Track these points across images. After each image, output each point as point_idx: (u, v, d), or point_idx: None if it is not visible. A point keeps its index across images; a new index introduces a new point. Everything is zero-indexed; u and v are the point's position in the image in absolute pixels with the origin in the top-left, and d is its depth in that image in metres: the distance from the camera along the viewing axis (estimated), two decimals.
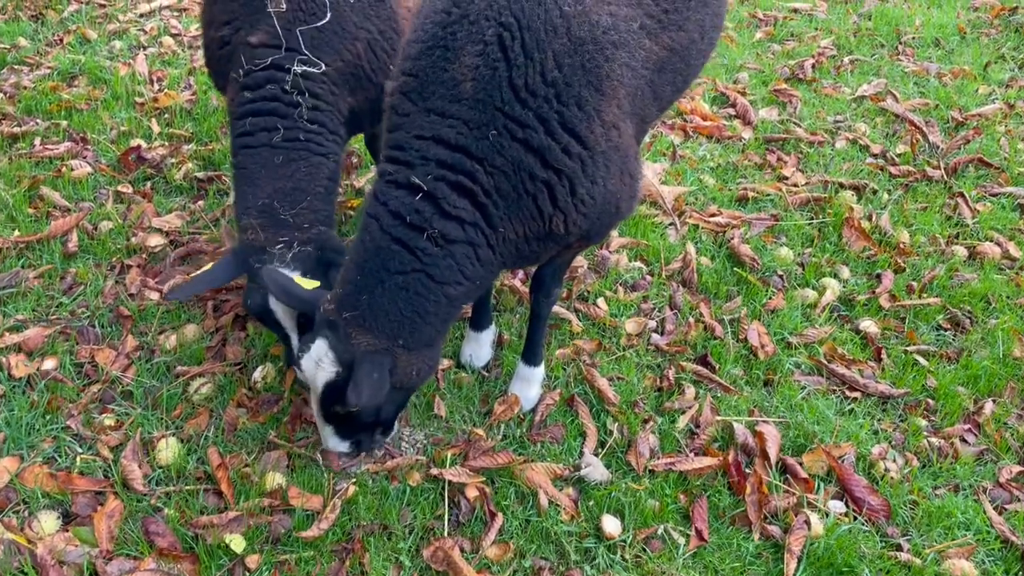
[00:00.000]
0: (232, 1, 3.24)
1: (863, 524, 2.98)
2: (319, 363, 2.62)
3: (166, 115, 5.26)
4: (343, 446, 2.89)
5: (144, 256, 4.07)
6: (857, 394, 3.50)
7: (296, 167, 3.09)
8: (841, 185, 4.76)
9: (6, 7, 6.45)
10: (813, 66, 6.14)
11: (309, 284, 2.87)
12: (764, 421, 3.31)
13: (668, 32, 2.77)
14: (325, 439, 2.88)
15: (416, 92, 2.54)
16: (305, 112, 3.12)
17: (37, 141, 4.91)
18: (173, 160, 4.78)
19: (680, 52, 2.86)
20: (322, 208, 3.14)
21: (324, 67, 3.16)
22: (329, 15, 3.16)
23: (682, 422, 3.33)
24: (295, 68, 3.10)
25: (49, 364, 3.45)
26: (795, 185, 4.81)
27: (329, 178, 3.18)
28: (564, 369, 3.56)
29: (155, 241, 4.14)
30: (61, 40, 6.13)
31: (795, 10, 7.05)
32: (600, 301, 3.93)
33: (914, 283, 4.09)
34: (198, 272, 3.09)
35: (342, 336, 2.60)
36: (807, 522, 2.92)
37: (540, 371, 3.40)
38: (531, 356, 3.37)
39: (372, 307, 2.59)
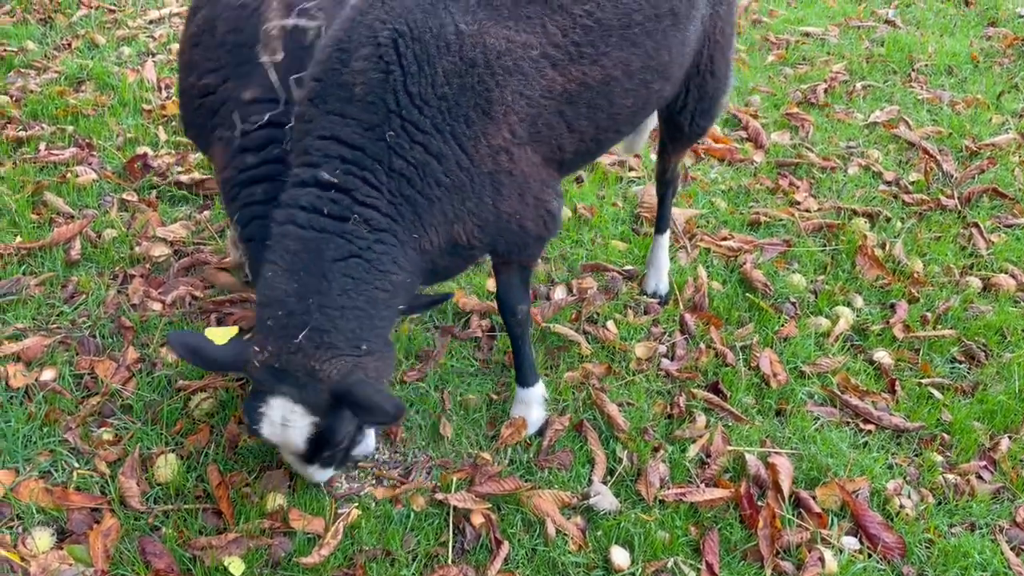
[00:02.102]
0: (218, 47, 2.96)
1: (877, 562, 2.91)
2: (287, 423, 2.49)
3: (173, 123, 5.21)
4: (329, 473, 2.83)
5: (147, 266, 4.01)
6: (871, 427, 3.44)
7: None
8: (854, 212, 4.70)
9: (14, 10, 6.40)
10: (826, 91, 6.10)
11: (222, 335, 2.59)
12: (777, 452, 3.24)
13: (578, 65, 2.68)
14: (311, 477, 2.82)
15: (320, 96, 2.52)
16: None
17: (42, 146, 4.85)
18: (180, 168, 4.72)
19: (596, 88, 2.75)
20: None
21: None
22: None
23: (692, 451, 3.26)
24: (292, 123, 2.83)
25: (48, 375, 3.38)
26: (807, 211, 4.75)
27: None
28: (572, 393, 3.49)
29: (159, 251, 4.07)
30: (69, 44, 6.08)
31: (807, 34, 7.02)
32: (610, 324, 3.87)
33: (928, 314, 4.03)
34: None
35: (302, 380, 2.46)
36: (821, 559, 2.85)
37: (536, 391, 3.31)
38: (522, 377, 3.30)
39: (325, 312, 2.45)
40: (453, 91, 2.48)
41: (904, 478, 3.23)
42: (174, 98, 5.44)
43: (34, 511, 2.84)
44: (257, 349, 2.49)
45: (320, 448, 2.58)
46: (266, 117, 2.86)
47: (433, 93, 2.47)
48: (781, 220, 4.64)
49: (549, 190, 2.81)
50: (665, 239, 4.05)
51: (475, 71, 2.49)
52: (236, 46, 2.94)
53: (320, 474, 2.80)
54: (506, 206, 2.68)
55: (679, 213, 4.54)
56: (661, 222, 4.02)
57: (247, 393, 3.24)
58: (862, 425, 3.45)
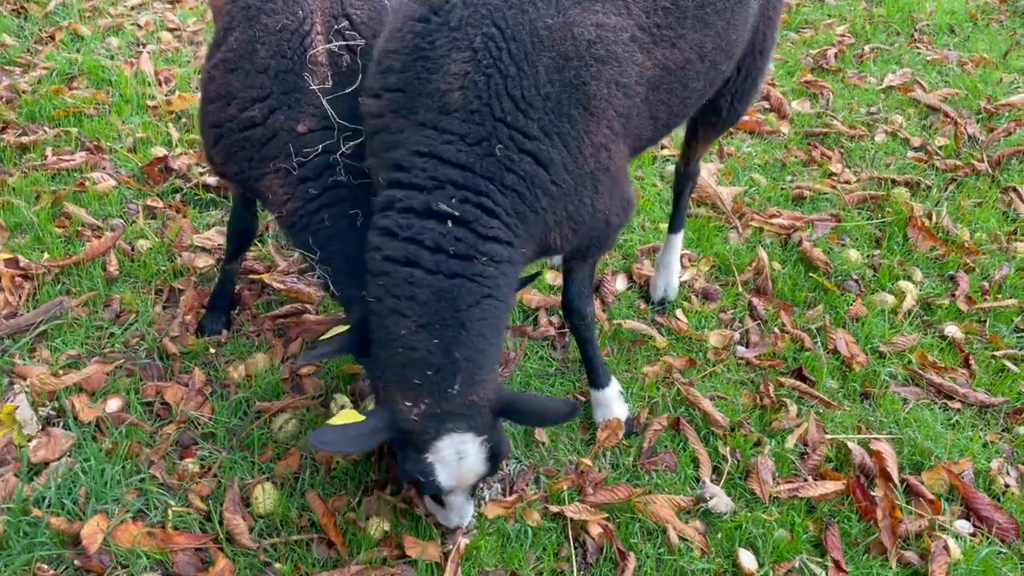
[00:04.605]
0: (260, 74, 2.74)
1: (998, 545, 2.92)
2: (463, 455, 2.43)
3: (183, 119, 4.95)
4: (472, 505, 2.77)
5: (193, 279, 3.80)
6: (957, 404, 3.44)
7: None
8: (893, 181, 4.69)
9: None
10: (836, 55, 6.07)
11: (349, 418, 2.44)
12: (876, 438, 3.23)
13: (661, 48, 2.60)
14: (465, 515, 2.74)
15: (406, 107, 2.38)
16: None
17: (48, 151, 4.57)
18: (202, 169, 4.49)
19: (675, 72, 2.68)
20: None
21: None
22: (360, 79, 2.73)
23: (791, 442, 3.22)
24: (344, 149, 2.73)
25: (114, 404, 3.19)
26: (847, 182, 4.73)
27: None
28: (658, 388, 3.42)
29: (203, 262, 3.87)
30: (52, 37, 5.74)
31: None
32: (679, 313, 3.80)
33: (986, 283, 4.05)
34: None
35: (465, 412, 2.41)
36: (946, 547, 2.85)
37: (612, 390, 3.24)
38: (596, 380, 3.23)
39: (471, 359, 2.39)
40: (555, 90, 2.35)
41: (1000, 455, 3.25)
42: (179, 92, 5.16)
43: (139, 556, 2.69)
44: (409, 404, 2.39)
45: (496, 464, 2.53)
46: (320, 147, 2.72)
47: (537, 94, 2.33)
48: (825, 194, 4.60)
49: (627, 178, 2.74)
50: (679, 240, 3.83)
51: (571, 65, 2.36)
52: (281, 72, 2.73)
53: (469, 507, 2.74)
54: (601, 204, 2.59)
55: (724, 192, 4.48)
56: (676, 220, 3.80)
57: (326, 410, 3.10)
58: (948, 403, 3.45)
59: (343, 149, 2.72)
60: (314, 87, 2.71)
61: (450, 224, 2.34)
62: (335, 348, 2.63)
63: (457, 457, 2.43)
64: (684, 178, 3.71)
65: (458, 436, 2.41)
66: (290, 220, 2.84)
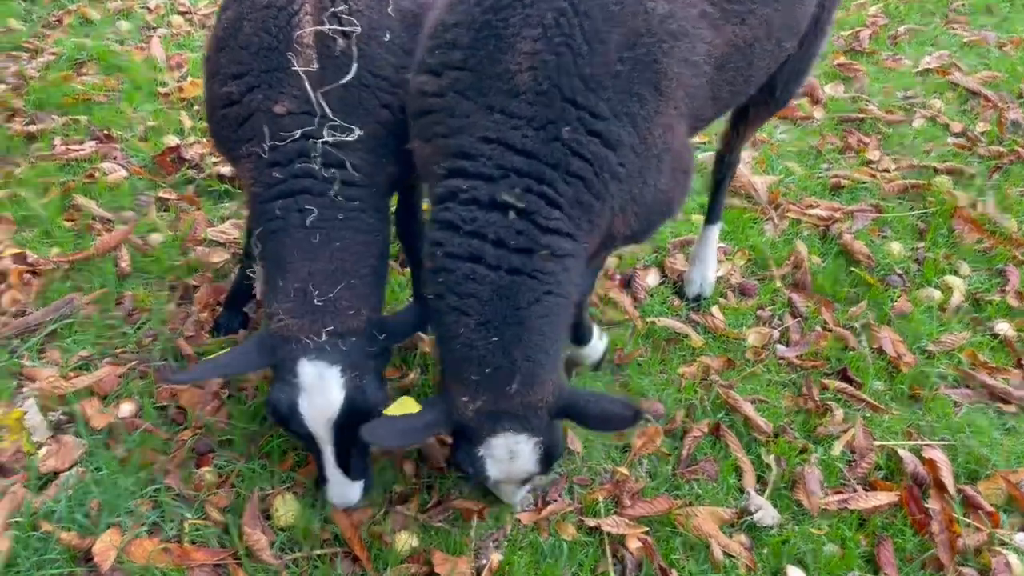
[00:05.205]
0: (242, 49, 2.54)
1: None
2: (514, 455, 2.36)
3: (196, 106, 4.78)
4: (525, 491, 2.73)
5: (208, 274, 3.65)
6: (1011, 407, 3.26)
7: (336, 247, 2.52)
8: (935, 170, 4.49)
9: None
10: (869, 37, 5.85)
11: (405, 406, 2.39)
12: (928, 445, 3.06)
13: (730, 24, 2.46)
14: (516, 501, 2.72)
15: (473, 88, 2.21)
16: (339, 189, 2.53)
17: (57, 140, 4.42)
18: (216, 159, 4.33)
19: (743, 49, 2.54)
20: (368, 293, 2.58)
21: (357, 133, 2.54)
22: (355, 69, 2.52)
23: (837, 449, 3.05)
24: (325, 137, 2.50)
25: (127, 408, 3.04)
26: (886, 171, 4.53)
27: (378, 257, 2.62)
28: (695, 391, 3.26)
29: (218, 257, 3.72)
30: (60, 21, 5.58)
31: None
32: (715, 310, 3.63)
33: None
34: (216, 355, 2.54)
35: (521, 412, 2.32)
36: (1007, 564, 2.68)
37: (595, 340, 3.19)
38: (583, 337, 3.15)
39: (531, 359, 2.28)
40: (627, 68, 2.20)
41: None
42: (190, 78, 5.00)
43: (154, 574, 2.54)
44: (466, 400, 2.31)
45: (548, 465, 2.45)
46: (298, 133, 2.50)
47: (607, 72, 2.17)
48: (864, 183, 4.41)
49: (692, 160, 2.60)
50: (715, 232, 3.67)
51: (642, 41, 2.21)
52: (263, 50, 2.52)
53: (523, 492, 2.72)
54: (663, 184, 2.44)
55: (759, 181, 4.30)
56: (713, 211, 3.64)
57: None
58: (1002, 407, 3.27)
59: (325, 137, 2.50)
60: (298, 68, 2.50)
61: (512, 216, 2.22)
62: (217, 365, 2.50)
63: (509, 456, 2.36)
64: (725, 166, 3.52)
65: (512, 436, 2.33)
66: (250, 208, 2.64)
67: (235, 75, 2.56)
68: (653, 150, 2.32)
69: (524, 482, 2.59)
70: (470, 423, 2.34)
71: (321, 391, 2.42)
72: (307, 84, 2.49)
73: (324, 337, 2.44)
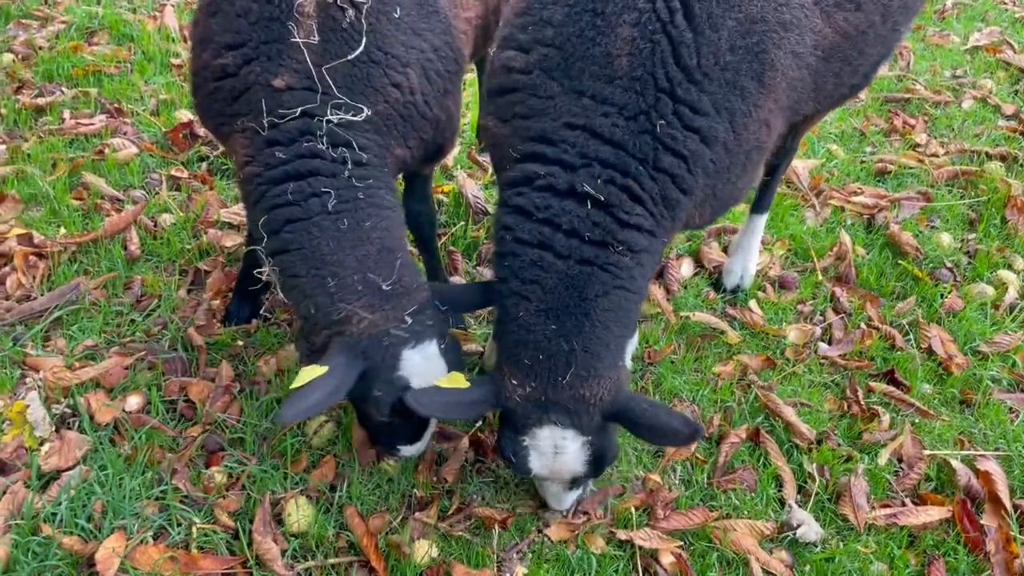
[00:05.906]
0: (239, 17, 2.34)
1: None
2: (559, 450, 2.23)
3: None
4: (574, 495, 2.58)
5: (221, 258, 3.49)
6: None
7: (368, 227, 2.35)
8: (987, 155, 4.25)
9: None
10: None
11: (455, 380, 2.29)
12: (983, 455, 2.86)
13: (843, 12, 2.28)
14: (562, 504, 2.57)
15: (561, 69, 2.08)
16: (351, 169, 2.36)
17: (66, 114, 4.25)
18: None
19: (854, 37, 2.35)
20: (413, 264, 2.46)
21: (366, 112, 2.37)
22: (364, 44, 2.34)
23: (884, 458, 2.87)
24: (330, 116, 2.32)
25: (134, 402, 2.90)
26: (934, 155, 4.29)
27: (404, 231, 2.53)
28: (732, 392, 3.07)
29: (231, 241, 3.55)
30: None
31: None
32: (752, 304, 3.43)
33: None
34: (303, 385, 2.19)
35: (572, 407, 2.19)
36: None
37: None
38: None
39: (590, 351, 2.17)
40: (736, 58, 2.05)
41: None
42: None
43: None
44: (516, 383, 2.21)
45: (598, 468, 2.34)
46: (299, 110, 2.31)
47: (715, 63, 2.02)
48: (910, 168, 4.18)
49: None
50: (762, 221, 3.46)
51: (756, 29, 2.05)
52: (262, 19, 2.32)
53: (569, 497, 2.58)
54: (744, 182, 2.33)
55: (800, 165, 4.08)
56: (764, 198, 3.40)
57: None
58: None
59: (329, 116, 2.32)
60: (298, 40, 2.30)
61: (590, 206, 2.10)
62: (319, 399, 2.17)
63: (554, 450, 2.25)
64: (783, 153, 3.27)
65: (559, 430, 2.22)
66: (245, 189, 2.44)
67: (230, 45, 2.37)
68: (745, 146, 2.19)
69: (572, 485, 2.48)
70: (517, 408, 2.23)
71: (430, 373, 2.33)
72: (308, 57, 2.31)
73: (409, 321, 2.33)
